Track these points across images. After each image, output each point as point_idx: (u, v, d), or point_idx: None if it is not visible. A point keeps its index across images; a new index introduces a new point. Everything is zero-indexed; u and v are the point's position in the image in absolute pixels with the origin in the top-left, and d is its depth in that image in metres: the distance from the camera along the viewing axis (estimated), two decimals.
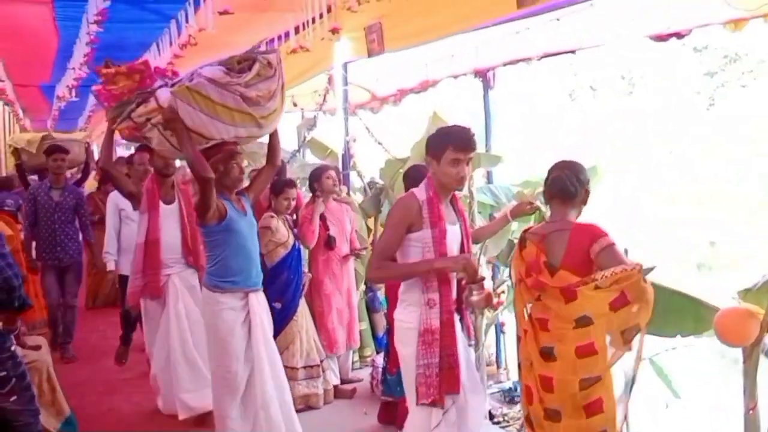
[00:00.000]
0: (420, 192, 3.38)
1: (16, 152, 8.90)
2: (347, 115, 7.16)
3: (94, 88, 4.96)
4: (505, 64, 6.41)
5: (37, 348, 4.79)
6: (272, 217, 5.41)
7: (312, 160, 8.52)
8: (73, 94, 9.14)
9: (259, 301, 4.36)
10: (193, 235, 5.10)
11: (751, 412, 3.28)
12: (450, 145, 3.32)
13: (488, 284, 3.07)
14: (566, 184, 3.37)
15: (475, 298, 3.34)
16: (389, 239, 3.36)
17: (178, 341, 5.14)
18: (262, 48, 4.23)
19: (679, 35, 4.81)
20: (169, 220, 5.08)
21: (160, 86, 4.09)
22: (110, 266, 6.36)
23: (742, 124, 20.03)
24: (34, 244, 7.10)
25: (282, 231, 5.39)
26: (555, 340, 3.23)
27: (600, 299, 3.10)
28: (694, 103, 22.61)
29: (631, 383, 3.32)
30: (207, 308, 4.31)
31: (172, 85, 4.02)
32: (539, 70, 6.27)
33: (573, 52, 5.59)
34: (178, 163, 5.52)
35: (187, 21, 5.98)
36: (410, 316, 3.38)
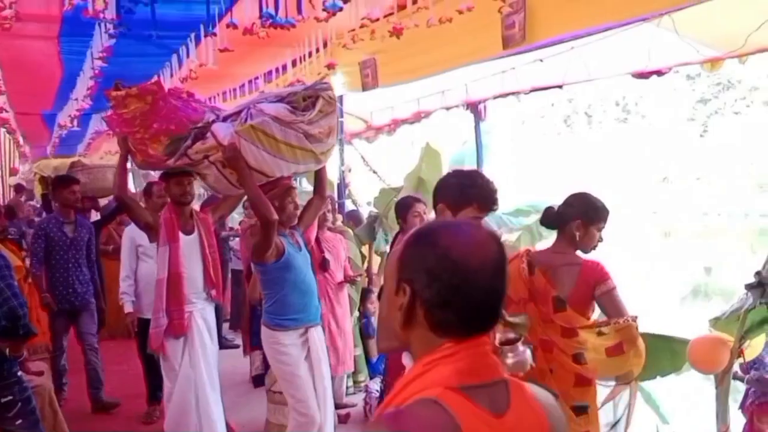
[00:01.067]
0: None
1: (43, 181, 8.45)
2: (343, 145, 7.35)
3: (104, 116, 4.84)
4: (495, 97, 6.65)
5: (40, 373, 4.93)
6: None
7: (309, 188, 8.70)
8: (75, 123, 9.33)
9: (318, 336, 4.35)
10: (215, 267, 4.70)
11: None
12: (474, 202, 2.88)
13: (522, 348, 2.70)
14: (560, 215, 3.34)
15: (510, 361, 2.74)
16: None
17: (200, 385, 4.65)
18: (322, 84, 4.20)
19: (660, 73, 5.04)
20: (191, 251, 4.62)
21: (212, 120, 4.07)
22: (128, 308, 5.70)
23: (737, 153, 20.27)
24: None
25: None
26: (555, 363, 3.27)
27: (599, 344, 3.17)
28: (687, 130, 22.89)
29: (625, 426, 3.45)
30: (269, 347, 4.28)
31: (224, 119, 4.03)
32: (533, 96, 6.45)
33: (560, 87, 5.82)
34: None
35: (188, 55, 6.19)
36: None
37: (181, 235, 4.57)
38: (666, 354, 3.64)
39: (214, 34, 5.20)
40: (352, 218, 7.31)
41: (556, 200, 3.50)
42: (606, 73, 5.09)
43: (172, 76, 6.99)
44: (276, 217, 3.91)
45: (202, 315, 4.64)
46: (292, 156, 3.91)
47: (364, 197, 7.66)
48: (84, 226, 6.26)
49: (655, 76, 5.09)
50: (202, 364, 4.59)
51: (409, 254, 1.35)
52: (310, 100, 3.92)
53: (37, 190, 9.45)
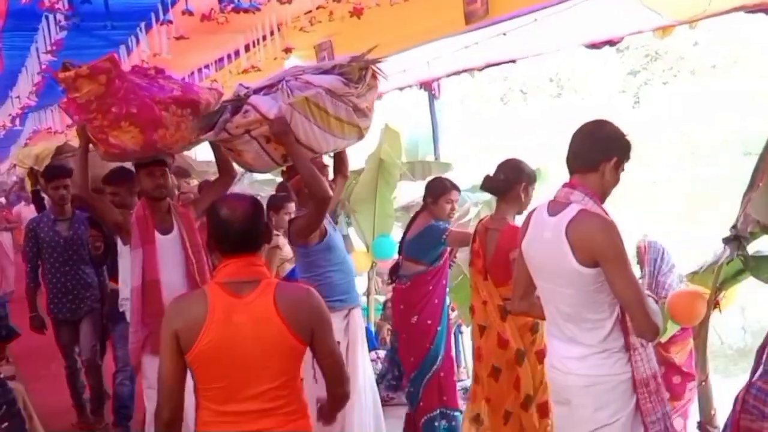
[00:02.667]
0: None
1: (32, 174, 6.85)
2: None
3: (60, 102, 4.31)
4: (449, 75, 6.72)
5: (12, 378, 4.82)
6: (277, 234, 5.11)
7: (262, 177, 8.63)
8: (17, 122, 9.02)
9: (359, 317, 4.14)
10: (200, 270, 4.02)
11: (703, 383, 3.60)
12: (627, 155, 2.63)
13: None
14: (496, 182, 3.82)
15: None
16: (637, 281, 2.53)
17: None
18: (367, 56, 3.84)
19: (612, 42, 5.18)
20: (169, 253, 3.96)
21: (245, 94, 3.72)
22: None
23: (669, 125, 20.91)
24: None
25: (287, 247, 5.10)
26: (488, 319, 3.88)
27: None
28: (620, 101, 23.52)
29: None
30: None
31: (255, 92, 3.70)
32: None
33: (514, 61, 5.93)
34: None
35: (138, 45, 6.07)
36: (621, 366, 2.55)
37: (157, 235, 3.96)
38: None
39: (170, 22, 5.13)
40: None
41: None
42: (562, 45, 5.21)
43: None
44: (331, 194, 3.72)
45: None
46: (340, 131, 3.68)
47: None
48: (82, 222, 5.29)
49: (607, 45, 5.25)
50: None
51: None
52: (362, 72, 3.69)
53: (28, 187, 7.79)
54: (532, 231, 2.68)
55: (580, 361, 2.55)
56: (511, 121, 24.98)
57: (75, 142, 5.00)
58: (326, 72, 3.71)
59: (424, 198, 4.63)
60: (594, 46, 5.21)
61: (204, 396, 2.31)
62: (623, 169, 2.58)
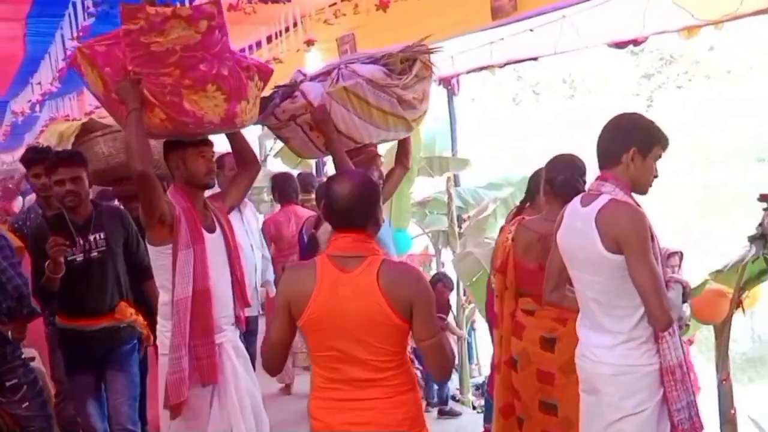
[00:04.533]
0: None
1: None
2: None
3: (123, 36, 2.95)
4: (469, 72, 6.73)
5: (32, 359, 4.85)
6: None
7: (279, 168, 8.68)
8: (37, 109, 9.08)
9: None
10: (242, 278, 3.43)
11: (724, 382, 3.62)
12: (660, 143, 2.67)
13: None
14: (576, 186, 3.28)
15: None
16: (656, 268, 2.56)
17: None
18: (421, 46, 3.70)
19: (636, 42, 5.19)
20: (216, 257, 3.28)
21: (300, 80, 3.67)
22: None
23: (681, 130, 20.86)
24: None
25: None
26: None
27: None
28: (633, 104, 23.42)
29: None
30: None
31: (311, 79, 3.64)
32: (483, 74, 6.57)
33: (535, 59, 5.93)
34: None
35: None
36: (649, 356, 2.59)
37: (204, 233, 3.25)
38: None
39: None
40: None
41: (523, 173, 3.65)
42: (587, 43, 5.21)
43: None
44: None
45: (233, 345, 3.38)
46: (383, 122, 3.58)
47: None
48: (110, 216, 3.97)
49: (632, 45, 5.25)
50: (245, 418, 3.33)
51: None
52: (408, 63, 3.55)
53: None
54: (566, 222, 2.78)
55: (609, 350, 2.62)
56: (523, 122, 24.92)
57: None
58: (374, 61, 3.59)
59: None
60: (618, 45, 5.23)
61: (316, 362, 2.48)
62: (659, 156, 2.65)
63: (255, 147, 8.64)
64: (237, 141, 3.47)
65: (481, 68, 6.49)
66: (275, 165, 9.32)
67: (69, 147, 4.28)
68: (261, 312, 5.65)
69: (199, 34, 2.93)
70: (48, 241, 3.58)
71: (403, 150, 3.99)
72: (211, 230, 3.32)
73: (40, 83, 7.95)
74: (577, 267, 2.72)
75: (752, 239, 3.30)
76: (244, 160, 3.55)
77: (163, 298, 3.27)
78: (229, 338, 3.35)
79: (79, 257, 3.80)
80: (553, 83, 26.65)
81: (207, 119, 3.06)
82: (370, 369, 2.36)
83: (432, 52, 3.64)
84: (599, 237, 2.54)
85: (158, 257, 3.23)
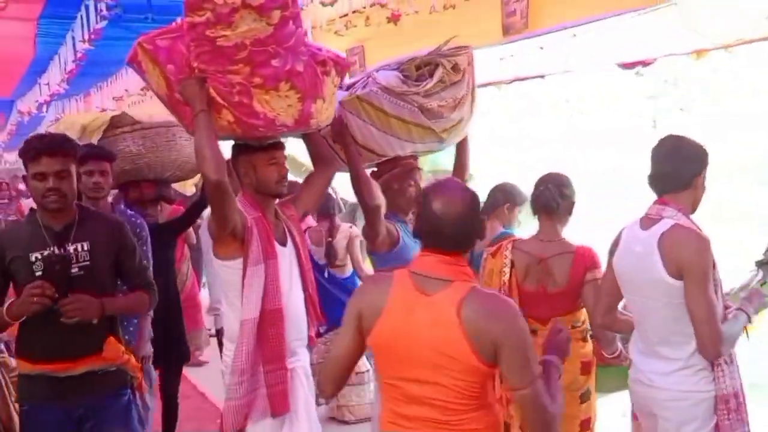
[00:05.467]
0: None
1: None
2: None
3: (187, 29, 2.62)
4: (477, 87, 6.75)
5: None
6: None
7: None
8: (44, 109, 9.12)
9: None
10: (314, 294, 3.08)
11: None
12: (708, 162, 2.71)
13: None
14: (549, 199, 3.36)
15: None
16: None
17: None
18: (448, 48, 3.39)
19: (645, 63, 5.22)
20: (288, 272, 2.94)
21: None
22: None
23: None
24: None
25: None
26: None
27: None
28: (638, 125, 23.46)
29: None
30: None
31: (344, 88, 3.31)
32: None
33: (542, 77, 5.96)
34: None
35: None
36: (705, 383, 2.55)
37: (277, 246, 2.89)
38: None
39: None
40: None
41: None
42: (596, 63, 5.25)
43: None
44: (378, 202, 3.23)
45: (305, 370, 3.03)
46: (405, 132, 3.23)
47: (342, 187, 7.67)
48: (97, 222, 3.07)
49: (640, 66, 5.29)
50: None
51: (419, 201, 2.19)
52: (427, 68, 3.24)
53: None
54: (624, 245, 2.73)
55: (665, 377, 2.60)
56: (524, 137, 24.93)
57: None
58: (397, 68, 3.31)
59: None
60: (626, 66, 5.26)
61: (384, 390, 2.16)
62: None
63: None
64: (312, 138, 3.14)
65: (488, 84, 6.54)
66: None
67: (94, 142, 3.82)
68: None
69: (271, 26, 2.60)
70: (31, 284, 2.63)
71: (458, 164, 3.70)
72: (283, 243, 2.95)
73: (48, 84, 7.98)
74: (635, 291, 2.69)
75: (760, 264, 3.29)
76: (320, 159, 3.17)
77: (230, 317, 2.93)
78: (301, 362, 3.00)
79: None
80: (557, 101, 26.74)
81: (280, 121, 2.74)
82: (440, 410, 2.02)
83: (454, 55, 3.29)
84: (662, 261, 2.52)
85: (225, 272, 2.88)
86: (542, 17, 4.29)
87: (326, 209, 5.16)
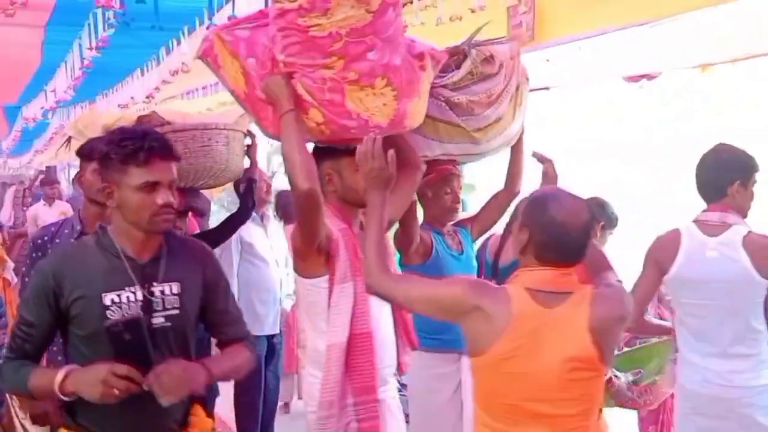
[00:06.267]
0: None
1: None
2: None
3: (275, 17, 2.33)
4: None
5: None
6: None
7: (285, 185, 8.63)
8: (49, 116, 9.14)
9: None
10: (405, 314, 2.70)
11: None
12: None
13: None
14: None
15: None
16: None
17: None
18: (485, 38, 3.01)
19: (650, 77, 5.23)
20: None
21: None
22: None
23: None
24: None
25: None
26: None
27: None
28: (641, 138, 23.47)
29: None
30: (418, 375, 3.14)
31: None
32: None
33: (547, 89, 5.97)
34: None
35: (178, 46, 6.15)
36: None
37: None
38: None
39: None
40: None
41: None
42: (601, 76, 5.26)
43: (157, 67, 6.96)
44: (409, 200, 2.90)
45: (396, 403, 2.71)
46: (432, 131, 2.83)
47: None
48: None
49: (644, 80, 5.30)
50: None
51: (529, 209, 2.06)
52: (454, 59, 2.86)
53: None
54: (689, 252, 2.84)
55: (742, 374, 2.76)
56: (528, 149, 24.91)
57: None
58: None
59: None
60: (632, 79, 5.27)
61: (488, 411, 2.03)
62: (755, 182, 2.87)
63: (263, 163, 8.68)
64: (401, 138, 2.71)
65: None
66: (281, 182, 9.32)
67: None
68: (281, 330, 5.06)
69: (370, 14, 2.31)
70: (111, 367, 1.91)
71: (511, 172, 3.33)
72: None
73: (54, 91, 8.01)
74: (706, 295, 2.80)
75: None
76: (406, 162, 2.70)
77: (315, 341, 2.56)
78: (392, 392, 2.69)
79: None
80: (559, 113, 26.76)
81: (373, 122, 2.42)
82: (559, 427, 1.97)
83: (486, 45, 2.93)
84: (752, 262, 2.70)
85: (309, 292, 2.55)
86: (548, 30, 4.29)
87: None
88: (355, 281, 2.48)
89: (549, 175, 2.81)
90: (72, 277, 2.02)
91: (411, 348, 2.71)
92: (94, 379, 1.89)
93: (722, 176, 2.81)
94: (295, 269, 2.60)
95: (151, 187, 2.00)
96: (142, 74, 7.45)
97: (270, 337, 4.58)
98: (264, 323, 4.49)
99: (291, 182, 2.35)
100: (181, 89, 7.69)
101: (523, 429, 1.97)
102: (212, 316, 2.27)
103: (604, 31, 4.22)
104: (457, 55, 2.90)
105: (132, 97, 7.73)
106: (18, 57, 7.32)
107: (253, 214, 4.26)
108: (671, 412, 3.80)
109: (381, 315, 2.57)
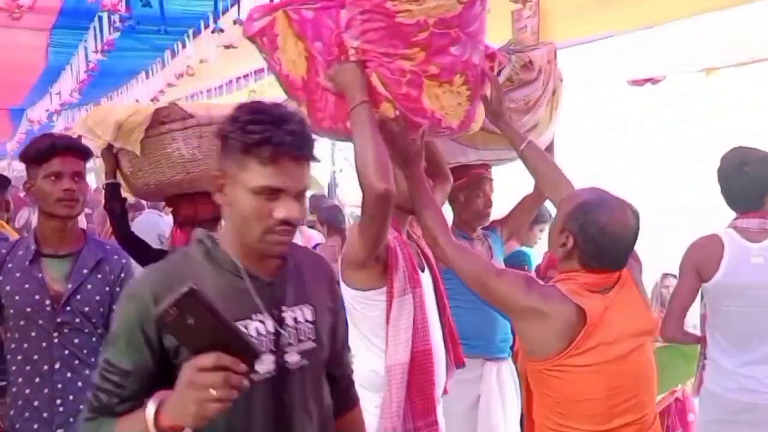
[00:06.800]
0: None
1: (110, 156, 3.05)
2: (334, 146, 7.39)
3: (363, 2, 2.10)
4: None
5: None
6: None
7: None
8: (54, 118, 9.18)
9: (499, 376, 3.02)
10: (453, 329, 2.50)
11: None
12: None
13: None
14: None
15: None
16: None
17: None
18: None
19: (654, 80, 5.23)
20: (432, 305, 2.40)
21: None
22: None
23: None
24: None
25: None
26: None
27: None
28: (643, 140, 23.48)
29: None
30: None
31: None
32: None
33: (553, 93, 5.98)
34: None
35: (183, 49, 6.18)
36: None
37: (419, 273, 2.37)
38: (679, 361, 3.67)
39: (222, 31, 5.23)
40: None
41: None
42: (605, 79, 5.27)
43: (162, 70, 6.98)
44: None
45: (442, 428, 2.42)
46: (468, 138, 2.70)
47: (351, 199, 7.70)
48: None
49: (649, 84, 5.30)
50: None
51: (574, 215, 1.95)
52: (493, 66, 2.67)
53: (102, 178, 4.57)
54: (732, 259, 2.80)
55: None
56: None
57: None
58: None
59: None
60: (636, 83, 5.27)
61: (568, 417, 1.93)
62: None
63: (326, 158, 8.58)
64: (433, 147, 2.56)
65: None
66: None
67: (135, 143, 2.82)
68: None
69: (460, 5, 2.11)
70: (194, 362, 1.27)
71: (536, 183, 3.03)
72: (422, 268, 2.38)
73: (59, 93, 8.04)
74: (750, 301, 2.79)
75: None
76: (437, 173, 2.56)
77: (371, 361, 2.28)
78: (440, 412, 2.40)
79: (268, 367, 1.52)
80: (563, 116, 26.70)
81: (446, 123, 2.25)
82: (640, 427, 1.94)
83: (525, 51, 2.81)
84: None
85: (366, 306, 2.28)
86: (553, 33, 4.30)
87: (336, 223, 5.01)
88: (414, 293, 2.26)
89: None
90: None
91: (456, 366, 2.47)
92: (181, 389, 1.27)
93: (759, 188, 2.79)
94: (346, 282, 2.28)
95: (273, 193, 1.45)
96: (147, 77, 7.49)
97: None
98: None
99: (363, 181, 2.06)
100: (186, 92, 7.72)
101: (617, 421, 1.90)
102: (331, 353, 1.68)
103: (608, 34, 4.24)
104: (492, 63, 2.69)
105: (137, 100, 7.76)
106: (23, 60, 7.35)
107: None
108: (677, 417, 3.83)
109: (435, 330, 2.34)
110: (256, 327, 1.49)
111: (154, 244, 6.35)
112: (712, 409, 2.91)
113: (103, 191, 3.19)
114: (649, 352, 1.99)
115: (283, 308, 1.54)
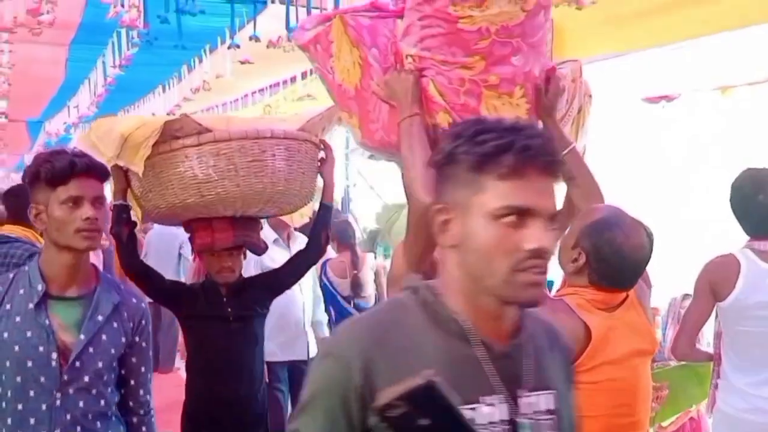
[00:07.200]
0: None
1: (120, 174, 2.64)
2: (348, 160, 7.43)
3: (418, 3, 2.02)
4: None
5: None
6: None
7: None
8: (72, 131, 9.30)
9: None
10: None
11: None
12: None
13: None
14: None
15: None
16: None
17: None
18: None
19: (669, 98, 5.23)
20: None
21: None
22: None
23: None
24: None
25: None
26: None
27: None
28: (658, 159, 23.43)
29: None
30: None
31: None
32: None
33: (579, 111, 5.98)
34: None
35: (200, 64, 6.24)
36: None
37: None
38: (693, 381, 3.65)
39: (238, 47, 5.27)
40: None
41: None
42: (619, 97, 5.27)
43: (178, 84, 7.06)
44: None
45: None
46: None
47: (364, 213, 7.72)
48: (126, 306, 2.03)
49: (664, 101, 5.30)
50: None
51: (589, 232, 1.92)
52: None
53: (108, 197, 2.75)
54: (749, 279, 2.79)
55: None
56: None
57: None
58: None
59: None
60: (651, 100, 5.27)
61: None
62: None
63: (340, 169, 8.64)
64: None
65: None
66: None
67: (140, 162, 2.46)
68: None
69: (524, 13, 1.99)
70: None
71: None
72: None
73: (77, 106, 8.14)
74: (765, 322, 2.79)
75: None
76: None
77: None
78: None
79: None
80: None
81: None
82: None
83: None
84: None
85: None
86: (565, 51, 4.30)
87: (346, 238, 4.89)
88: None
89: None
90: (392, 370, 1.09)
91: None
92: None
93: None
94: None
95: (520, 217, 1.12)
96: (164, 91, 7.57)
97: (296, 364, 4.34)
98: (288, 349, 4.27)
99: (410, 194, 2.00)
100: (202, 106, 7.79)
101: None
102: None
103: (623, 52, 4.25)
104: None
105: (153, 114, 7.84)
106: (42, 73, 7.45)
107: (275, 235, 3.92)
108: None
109: None
110: (489, 412, 1.13)
111: (174, 258, 6.24)
112: (724, 429, 2.90)
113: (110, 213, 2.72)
114: (648, 371, 2.01)
115: (519, 392, 1.17)
